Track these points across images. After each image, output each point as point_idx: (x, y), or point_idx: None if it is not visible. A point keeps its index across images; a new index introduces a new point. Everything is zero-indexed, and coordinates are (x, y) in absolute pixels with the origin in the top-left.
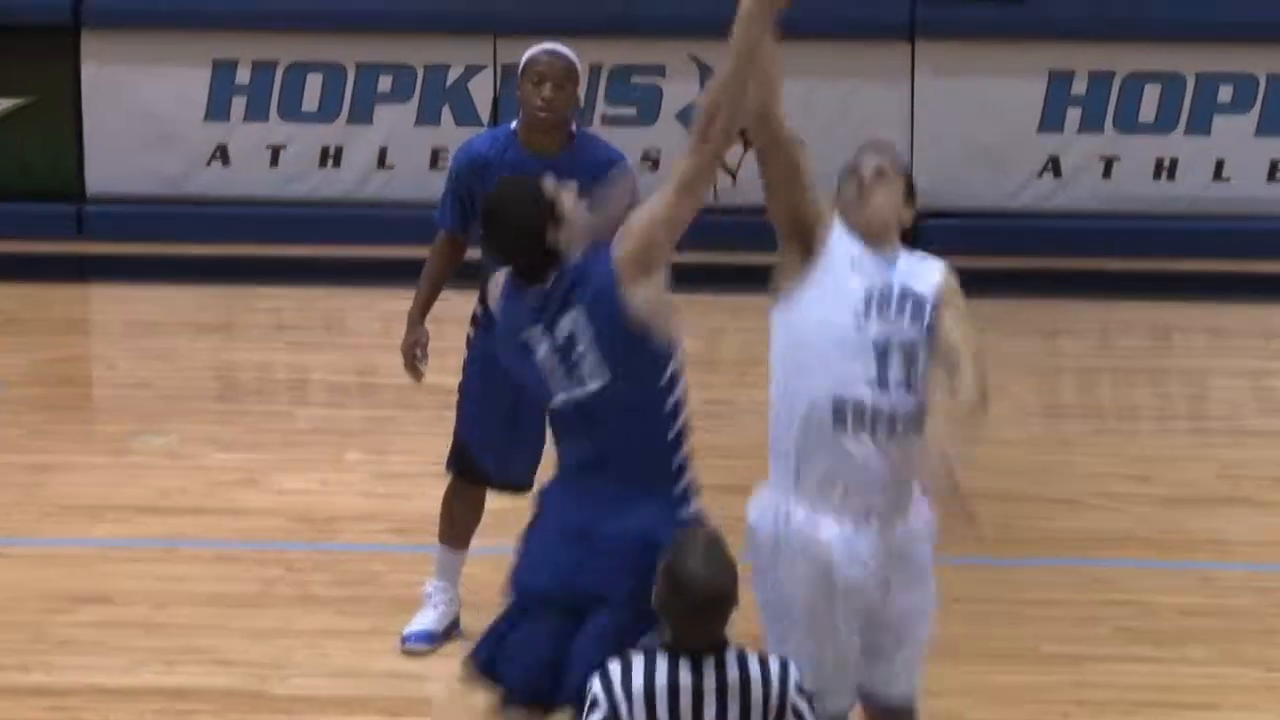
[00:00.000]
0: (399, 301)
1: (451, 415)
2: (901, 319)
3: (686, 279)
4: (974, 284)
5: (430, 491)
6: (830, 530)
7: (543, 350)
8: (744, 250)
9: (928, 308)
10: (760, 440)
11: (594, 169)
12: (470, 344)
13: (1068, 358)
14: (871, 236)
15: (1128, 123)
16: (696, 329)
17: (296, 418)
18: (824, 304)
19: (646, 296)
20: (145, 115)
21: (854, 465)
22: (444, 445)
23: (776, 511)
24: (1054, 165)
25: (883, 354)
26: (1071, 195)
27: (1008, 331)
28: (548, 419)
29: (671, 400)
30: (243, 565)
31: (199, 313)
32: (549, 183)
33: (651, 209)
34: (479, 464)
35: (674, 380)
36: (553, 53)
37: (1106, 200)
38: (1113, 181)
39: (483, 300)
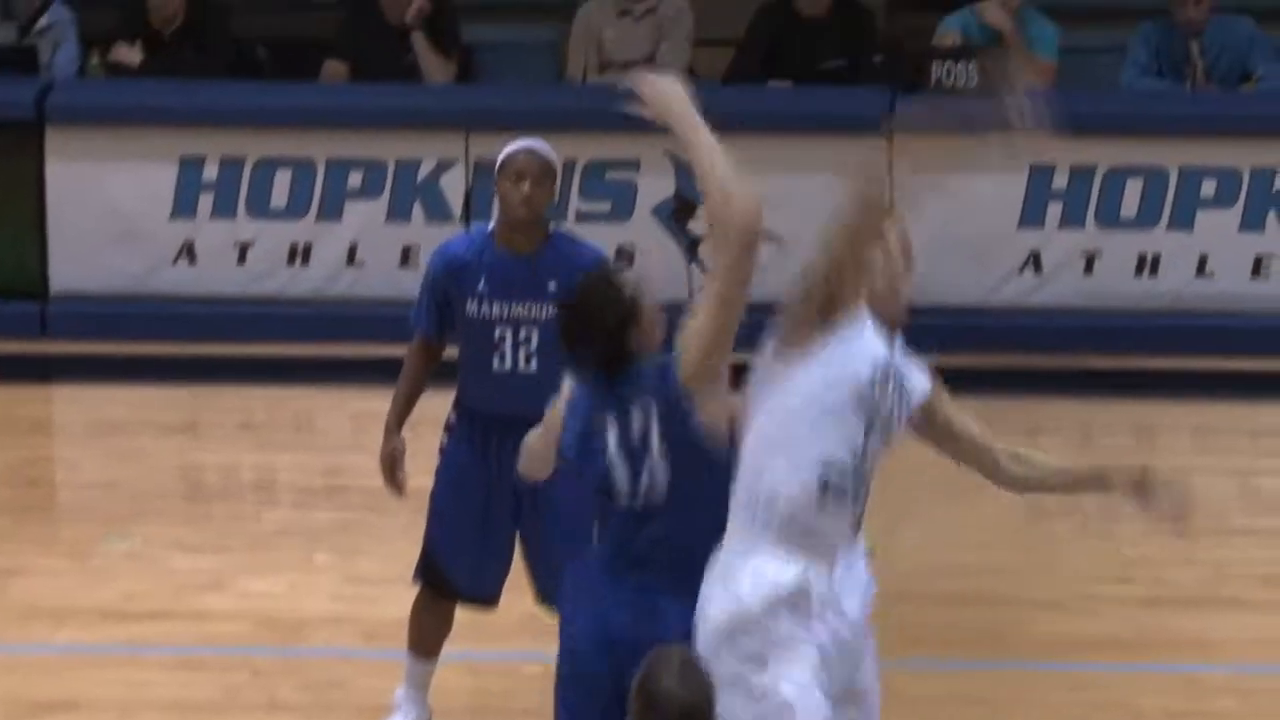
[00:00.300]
0: (369, 401)
1: (423, 518)
2: (893, 398)
3: None
4: (954, 382)
5: (401, 595)
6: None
7: (612, 442)
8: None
9: (914, 398)
10: None
11: (573, 268)
12: (443, 451)
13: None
14: (894, 325)
15: (1109, 218)
16: None
17: (263, 520)
18: (834, 368)
19: (713, 410)
20: (110, 212)
21: (832, 533)
22: (415, 549)
23: (792, 583)
24: (1035, 261)
25: (869, 427)
26: (1053, 291)
27: (988, 430)
28: (597, 507)
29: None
30: (208, 671)
31: (164, 413)
32: (632, 281)
33: (699, 327)
34: (448, 576)
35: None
36: (531, 150)
37: (1088, 296)
38: (1094, 277)
39: (456, 406)
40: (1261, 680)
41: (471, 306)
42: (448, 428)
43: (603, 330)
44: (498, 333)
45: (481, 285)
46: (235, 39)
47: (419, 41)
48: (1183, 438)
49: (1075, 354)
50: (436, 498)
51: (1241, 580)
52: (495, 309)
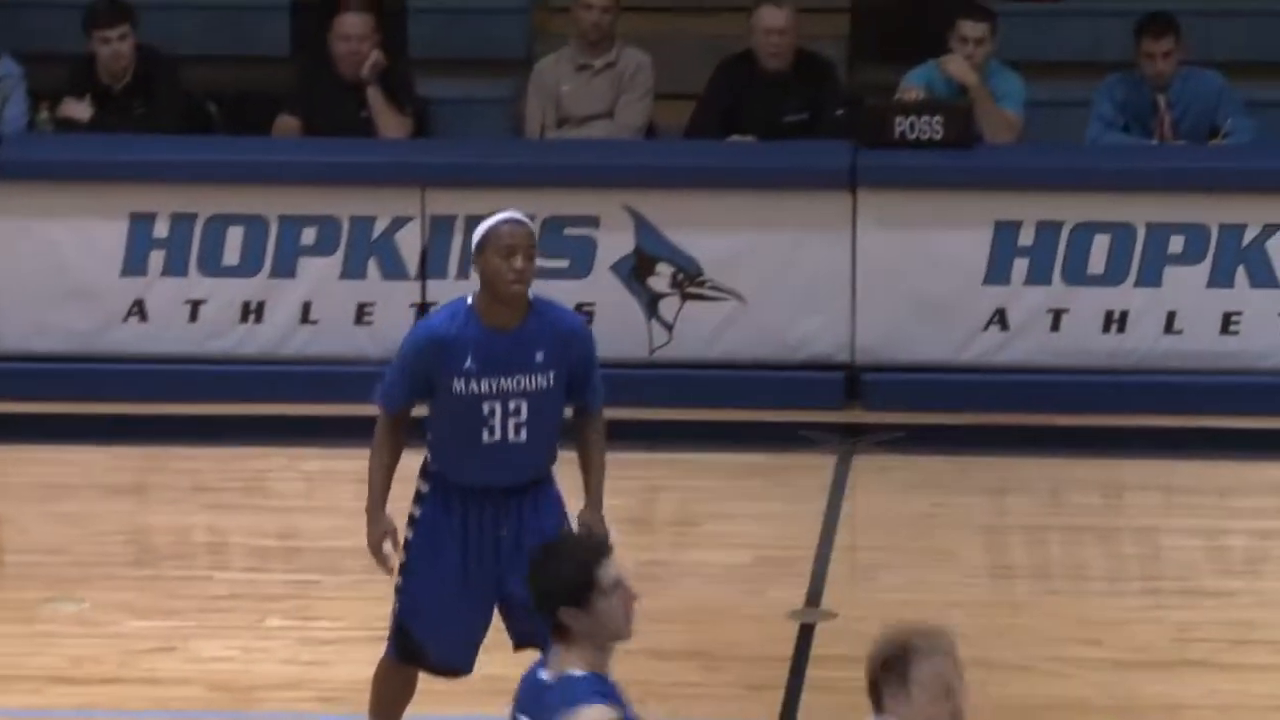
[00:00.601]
0: (323, 461)
1: (378, 579)
2: None
3: (619, 435)
4: (919, 441)
5: (357, 657)
6: None
7: None
8: (679, 406)
9: None
10: (698, 603)
11: (556, 338)
12: (416, 521)
13: (1016, 516)
14: None
15: (1077, 274)
16: (630, 487)
17: (216, 582)
18: None
19: None
20: (59, 269)
21: None
22: (370, 610)
23: None
24: (1001, 318)
25: None
26: (1019, 349)
27: (954, 490)
28: None
29: None
30: None
31: (113, 474)
32: (609, 566)
33: None
34: (424, 647)
35: None
36: (516, 222)
37: (1055, 354)
38: (1061, 334)
39: (428, 476)
40: None
41: (458, 384)
42: (417, 498)
43: (546, 593)
44: (486, 408)
45: (469, 363)
46: (186, 93)
47: (374, 96)
48: (1151, 496)
49: (1042, 412)
50: (413, 567)
51: (1210, 644)
52: (484, 385)
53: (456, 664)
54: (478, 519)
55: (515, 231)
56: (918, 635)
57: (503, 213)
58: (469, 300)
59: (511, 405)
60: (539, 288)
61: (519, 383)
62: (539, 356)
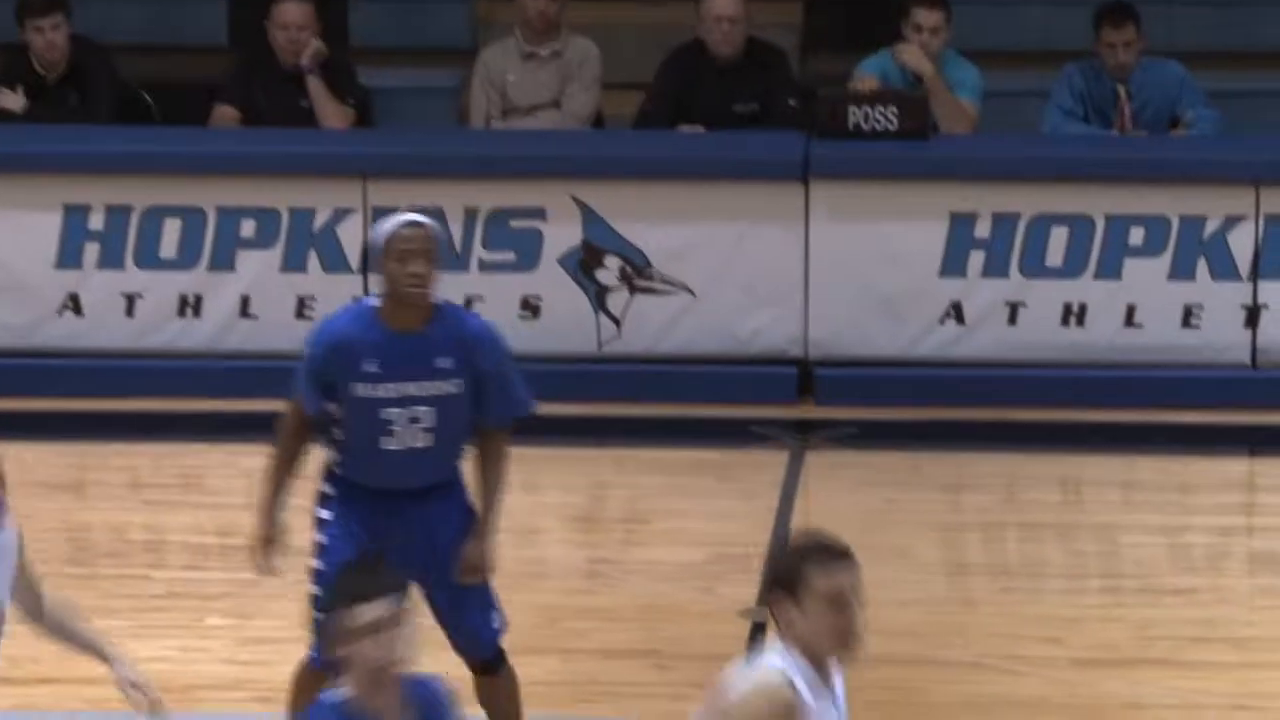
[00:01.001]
0: (262, 458)
1: None
2: None
3: (567, 430)
4: (873, 437)
5: (297, 657)
6: None
7: None
8: (629, 401)
9: None
10: (647, 601)
11: (461, 344)
12: (322, 524)
13: (972, 513)
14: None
15: (1034, 267)
16: (578, 484)
17: (153, 581)
18: None
19: None
20: None
21: None
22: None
23: None
24: (956, 311)
25: None
26: (975, 343)
27: (909, 486)
28: None
29: None
30: None
31: (49, 471)
32: (372, 609)
33: None
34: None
35: None
36: (416, 224)
37: (1012, 348)
38: (1018, 328)
39: (331, 479)
40: None
41: (361, 388)
42: (324, 499)
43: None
44: (389, 413)
45: (371, 366)
46: (121, 83)
47: (314, 86)
48: (1110, 492)
49: (999, 407)
50: (325, 563)
51: (1171, 641)
52: (387, 390)
53: None
54: (385, 520)
55: (413, 235)
56: (813, 547)
57: (403, 214)
58: (374, 302)
59: (415, 411)
60: (485, 281)
61: (423, 388)
62: (443, 362)
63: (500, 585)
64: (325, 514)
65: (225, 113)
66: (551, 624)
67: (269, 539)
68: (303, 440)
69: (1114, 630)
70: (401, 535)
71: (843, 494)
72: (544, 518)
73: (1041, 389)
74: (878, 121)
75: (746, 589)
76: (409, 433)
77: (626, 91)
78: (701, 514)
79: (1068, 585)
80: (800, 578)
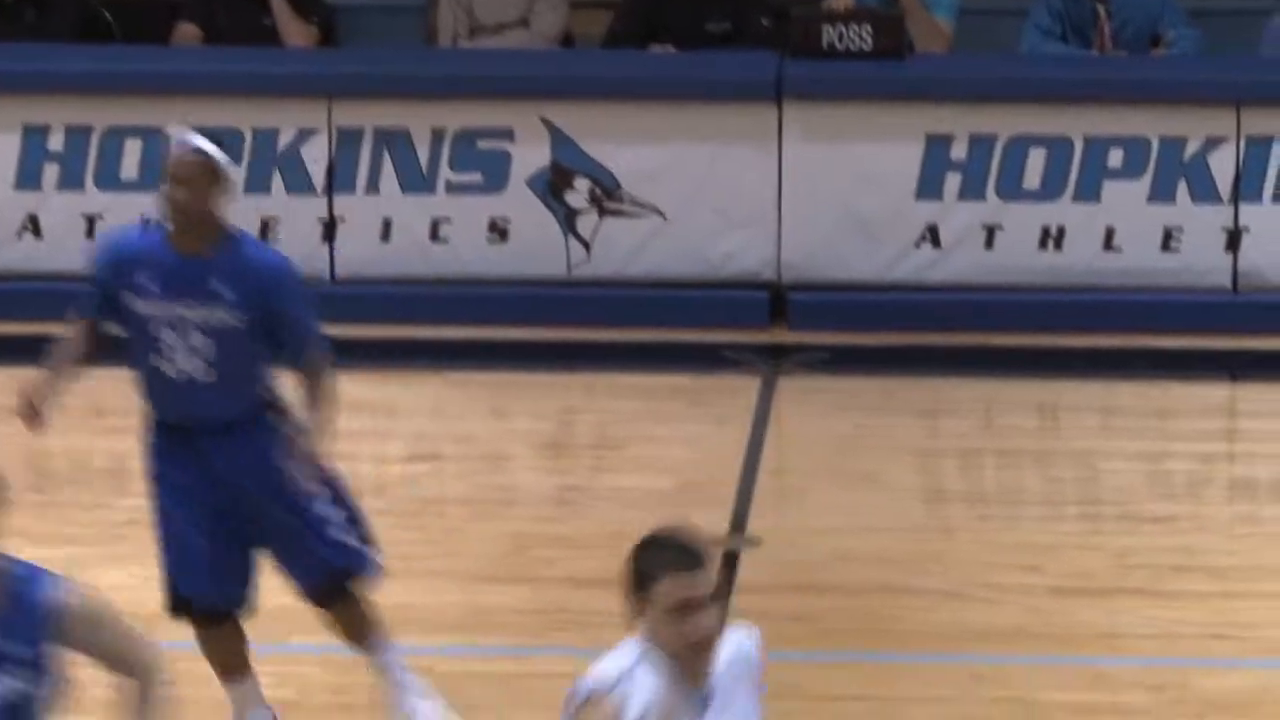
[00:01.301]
0: None
1: None
2: None
3: (536, 356)
4: (848, 362)
5: (262, 584)
6: None
7: None
8: (598, 325)
9: None
10: (617, 529)
11: (250, 274)
12: (153, 476)
13: (949, 439)
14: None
15: (1011, 189)
16: (547, 410)
17: (116, 508)
18: None
19: None
20: None
21: None
22: None
23: None
24: (932, 235)
25: None
26: (951, 267)
27: (884, 412)
28: None
29: None
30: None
31: (7, 396)
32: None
33: None
34: (195, 597)
35: None
36: (181, 145)
37: (989, 272)
38: (995, 252)
39: (145, 419)
40: (1171, 673)
41: (138, 304)
42: (148, 450)
43: None
44: (161, 333)
45: (146, 281)
46: (81, 1)
47: (278, 3)
48: (1089, 418)
49: (976, 332)
50: (162, 519)
51: (1149, 570)
52: (160, 308)
53: (225, 600)
54: (198, 453)
55: (176, 157)
56: (666, 550)
57: (183, 135)
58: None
59: (193, 339)
60: (452, 203)
61: (196, 313)
62: (221, 289)
63: (468, 513)
64: (153, 464)
65: (187, 30)
66: (520, 552)
67: (35, 389)
68: (78, 346)
69: (1092, 558)
70: (218, 464)
71: (815, 419)
72: (512, 444)
73: (1019, 313)
74: (852, 41)
75: (718, 516)
76: (189, 361)
77: (596, 10)
78: (672, 440)
79: (1045, 512)
80: (648, 581)
